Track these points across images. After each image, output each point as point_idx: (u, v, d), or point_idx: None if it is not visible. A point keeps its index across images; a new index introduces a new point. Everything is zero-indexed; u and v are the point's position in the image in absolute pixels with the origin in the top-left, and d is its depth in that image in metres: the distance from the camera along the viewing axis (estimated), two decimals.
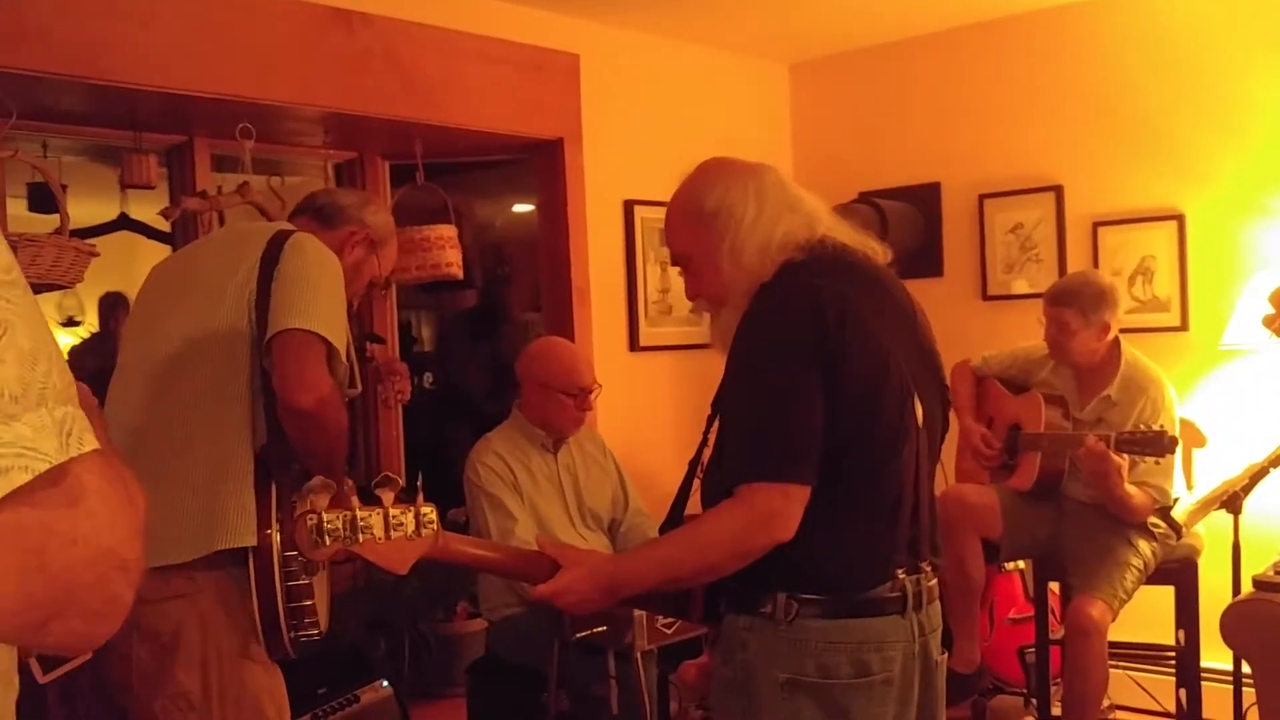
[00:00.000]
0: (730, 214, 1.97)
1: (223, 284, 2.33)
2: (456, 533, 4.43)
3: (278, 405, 2.24)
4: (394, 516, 1.78)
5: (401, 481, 1.80)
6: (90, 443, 0.83)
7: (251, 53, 3.70)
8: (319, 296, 2.29)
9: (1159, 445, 3.50)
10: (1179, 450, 4.01)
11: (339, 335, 2.30)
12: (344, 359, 2.34)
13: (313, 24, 3.85)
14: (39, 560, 0.81)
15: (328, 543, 1.73)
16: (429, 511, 1.81)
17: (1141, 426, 3.58)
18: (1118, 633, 3.77)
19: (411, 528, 1.79)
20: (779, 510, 1.80)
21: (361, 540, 1.75)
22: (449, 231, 4.41)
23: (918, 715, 1.96)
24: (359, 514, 1.75)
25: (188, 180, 4.11)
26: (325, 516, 1.73)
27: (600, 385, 3.71)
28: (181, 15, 3.54)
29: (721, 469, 1.90)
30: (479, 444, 3.67)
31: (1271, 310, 2.88)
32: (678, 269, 2.12)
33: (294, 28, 3.81)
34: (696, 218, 2.01)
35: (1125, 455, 3.57)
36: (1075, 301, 3.76)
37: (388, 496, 1.77)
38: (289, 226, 2.47)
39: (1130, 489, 3.64)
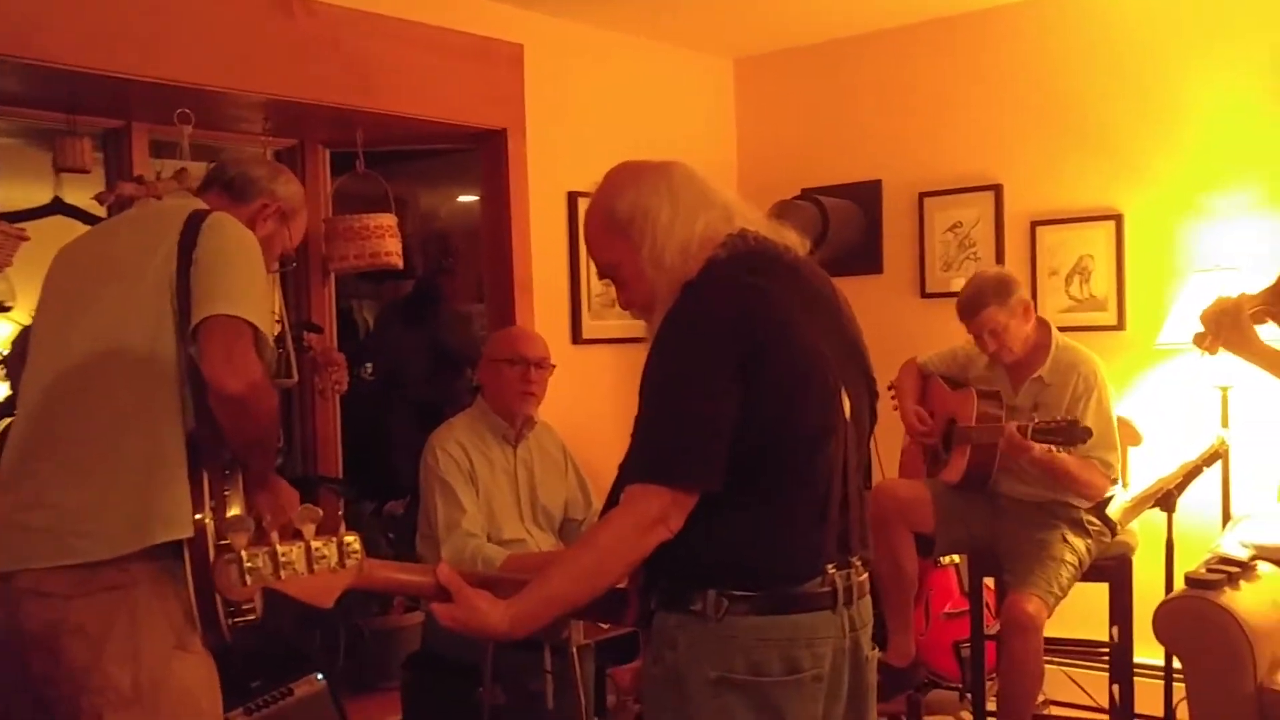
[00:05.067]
0: (646, 217, 1.95)
1: (140, 268, 2.28)
2: (395, 520, 4.41)
3: (209, 393, 2.19)
4: (316, 549, 1.74)
5: (321, 512, 1.76)
6: None
7: (192, 37, 3.65)
8: (242, 279, 2.25)
9: (1071, 434, 3.52)
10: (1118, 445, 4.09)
11: (264, 318, 2.26)
12: (270, 342, 2.30)
13: (254, 9, 3.80)
14: None
15: (249, 582, 1.70)
16: (352, 541, 1.77)
17: (1058, 416, 3.62)
18: (1053, 629, 3.80)
19: (335, 559, 1.75)
20: (663, 514, 1.79)
21: (284, 576, 1.72)
22: (389, 220, 4.38)
23: (848, 711, 1.96)
24: (280, 549, 1.72)
25: (125, 165, 4.05)
26: (245, 555, 1.70)
27: (554, 365, 3.71)
28: None
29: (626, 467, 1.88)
30: (440, 429, 3.65)
31: (1202, 329, 2.92)
32: (606, 281, 2.09)
33: (235, 13, 3.76)
34: (612, 226, 1.98)
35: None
36: (987, 299, 3.78)
37: (309, 529, 1.74)
38: (203, 205, 2.41)
39: (1070, 460, 3.66)
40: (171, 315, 2.25)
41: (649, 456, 1.83)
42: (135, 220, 2.57)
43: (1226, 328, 2.83)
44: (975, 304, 3.80)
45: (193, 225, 2.29)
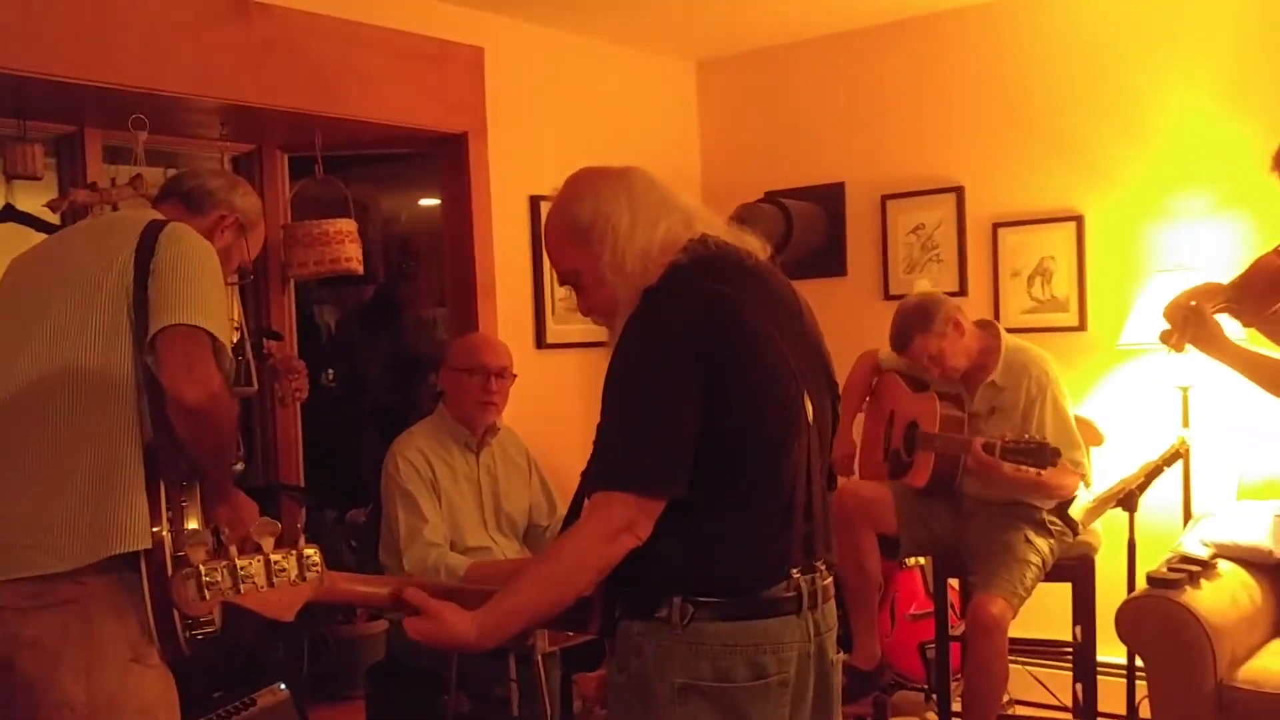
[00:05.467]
0: (607, 222, 1.94)
1: (97, 279, 2.26)
2: (358, 528, 4.37)
3: (168, 403, 2.18)
4: (276, 562, 1.73)
5: (279, 526, 1.74)
6: None
7: (146, 41, 3.61)
8: (200, 289, 2.24)
9: (1042, 456, 3.49)
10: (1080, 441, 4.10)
11: (222, 328, 2.26)
12: (228, 351, 2.29)
13: (210, 13, 3.76)
14: None
15: (208, 597, 1.69)
16: (312, 554, 1.76)
17: (1026, 435, 3.60)
18: (1017, 629, 3.82)
19: (295, 572, 1.74)
20: (632, 521, 1.78)
21: (243, 591, 1.70)
22: (348, 226, 4.34)
23: (813, 715, 1.95)
24: (239, 563, 1.70)
25: (78, 171, 3.99)
26: (204, 570, 1.68)
27: (515, 375, 3.69)
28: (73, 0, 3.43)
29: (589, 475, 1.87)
30: (402, 437, 3.63)
31: (1168, 326, 2.88)
32: (567, 287, 2.08)
33: (190, 16, 3.72)
34: (574, 233, 1.97)
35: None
36: (913, 331, 3.80)
37: (268, 543, 1.72)
38: (160, 216, 2.40)
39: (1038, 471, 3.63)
40: (128, 326, 2.23)
41: (613, 464, 1.82)
42: (91, 230, 2.55)
43: (1193, 324, 2.80)
44: (903, 338, 3.84)
45: (150, 236, 2.28)
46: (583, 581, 1.82)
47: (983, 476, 3.75)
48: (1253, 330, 3.16)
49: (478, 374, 3.61)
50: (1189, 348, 2.93)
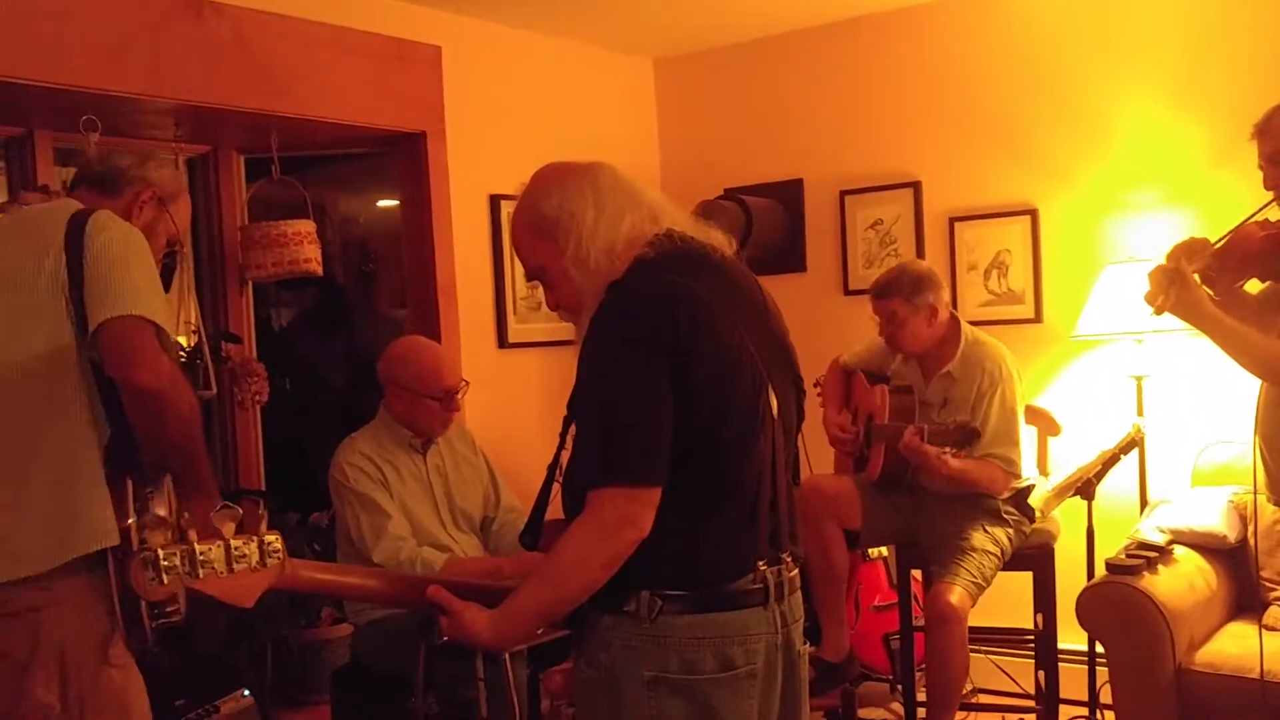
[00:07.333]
0: (572, 218, 1.94)
1: (31, 276, 2.21)
2: (321, 531, 4.34)
3: (123, 393, 2.14)
4: (236, 548, 1.71)
5: (241, 511, 1.73)
6: None
7: (96, 40, 3.56)
8: (134, 278, 2.20)
9: (962, 437, 3.60)
10: (1035, 435, 4.15)
11: (160, 310, 2.22)
12: (173, 338, 2.26)
13: (163, 12, 3.72)
14: None
15: (166, 580, 1.67)
16: (274, 540, 1.75)
17: (950, 420, 3.69)
18: (979, 618, 3.85)
19: (255, 558, 1.73)
20: (628, 515, 1.79)
21: (202, 575, 1.69)
22: (307, 227, 4.31)
23: (781, 706, 1.96)
24: (198, 548, 1.68)
25: (28, 173, 3.94)
26: (162, 553, 1.66)
27: (468, 382, 3.65)
28: None
29: (574, 473, 1.88)
30: (343, 444, 3.56)
31: (1150, 287, 2.78)
32: (534, 283, 2.08)
33: (143, 16, 3.68)
34: (539, 229, 1.98)
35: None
36: (897, 291, 3.86)
37: (228, 528, 1.71)
38: (80, 206, 2.33)
39: (966, 464, 3.71)
40: (70, 322, 2.20)
41: (600, 461, 1.82)
42: (13, 228, 2.45)
43: (1178, 287, 2.73)
44: (885, 290, 3.90)
45: (76, 226, 2.24)
46: (586, 577, 1.82)
47: (923, 468, 3.79)
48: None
49: (440, 398, 3.56)
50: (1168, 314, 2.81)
